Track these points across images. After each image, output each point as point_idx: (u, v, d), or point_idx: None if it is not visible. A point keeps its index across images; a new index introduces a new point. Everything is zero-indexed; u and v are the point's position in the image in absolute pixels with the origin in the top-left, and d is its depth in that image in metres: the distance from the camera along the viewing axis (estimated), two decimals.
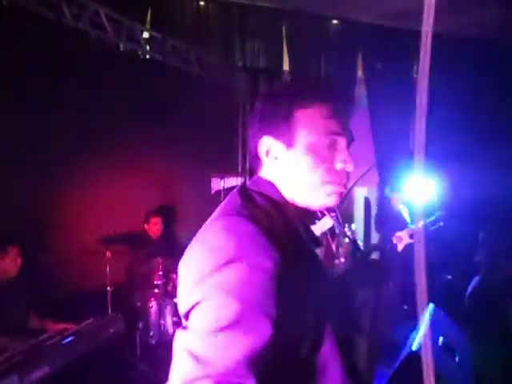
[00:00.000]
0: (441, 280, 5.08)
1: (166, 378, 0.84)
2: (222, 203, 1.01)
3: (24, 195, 3.66)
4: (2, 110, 3.54)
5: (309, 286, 0.93)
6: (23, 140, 3.69)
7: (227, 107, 6.57)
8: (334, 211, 2.53)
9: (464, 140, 7.07)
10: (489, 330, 3.12)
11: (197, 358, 0.77)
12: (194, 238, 0.94)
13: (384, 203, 6.70)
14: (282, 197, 1.02)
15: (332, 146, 1.00)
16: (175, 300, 4.04)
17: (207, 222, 0.96)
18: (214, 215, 0.97)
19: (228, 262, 0.82)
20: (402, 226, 5.37)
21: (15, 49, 3.65)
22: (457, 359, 2.97)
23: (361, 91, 7.92)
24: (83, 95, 4.16)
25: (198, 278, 0.84)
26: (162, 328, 4.20)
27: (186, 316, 0.87)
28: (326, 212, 2.21)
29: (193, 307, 0.84)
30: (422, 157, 0.72)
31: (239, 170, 6.76)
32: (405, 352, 2.94)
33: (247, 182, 1.06)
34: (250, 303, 0.80)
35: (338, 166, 1.00)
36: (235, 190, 1.04)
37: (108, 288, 3.93)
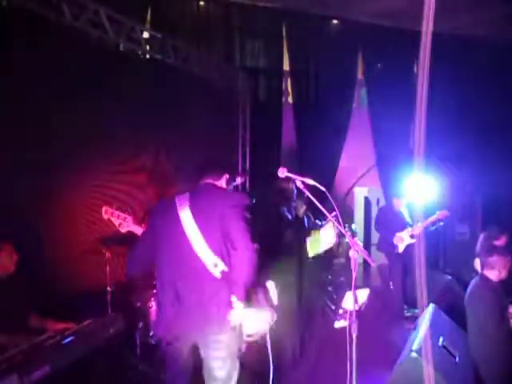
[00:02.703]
0: (441, 280, 5.08)
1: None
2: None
3: (24, 195, 3.66)
4: (2, 109, 3.53)
5: None
6: (23, 140, 3.68)
7: (227, 107, 6.57)
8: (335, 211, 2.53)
9: (464, 140, 7.07)
10: (488, 328, 3.12)
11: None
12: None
13: (386, 203, 6.69)
14: None
15: None
16: None
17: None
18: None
19: None
20: (403, 226, 5.36)
21: (15, 49, 3.65)
22: (457, 359, 2.97)
23: (361, 91, 7.93)
24: (83, 95, 4.16)
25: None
26: None
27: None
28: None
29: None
30: (421, 157, 0.72)
31: (239, 169, 6.76)
32: (405, 352, 2.94)
33: None
34: None
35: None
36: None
37: (108, 288, 3.93)
